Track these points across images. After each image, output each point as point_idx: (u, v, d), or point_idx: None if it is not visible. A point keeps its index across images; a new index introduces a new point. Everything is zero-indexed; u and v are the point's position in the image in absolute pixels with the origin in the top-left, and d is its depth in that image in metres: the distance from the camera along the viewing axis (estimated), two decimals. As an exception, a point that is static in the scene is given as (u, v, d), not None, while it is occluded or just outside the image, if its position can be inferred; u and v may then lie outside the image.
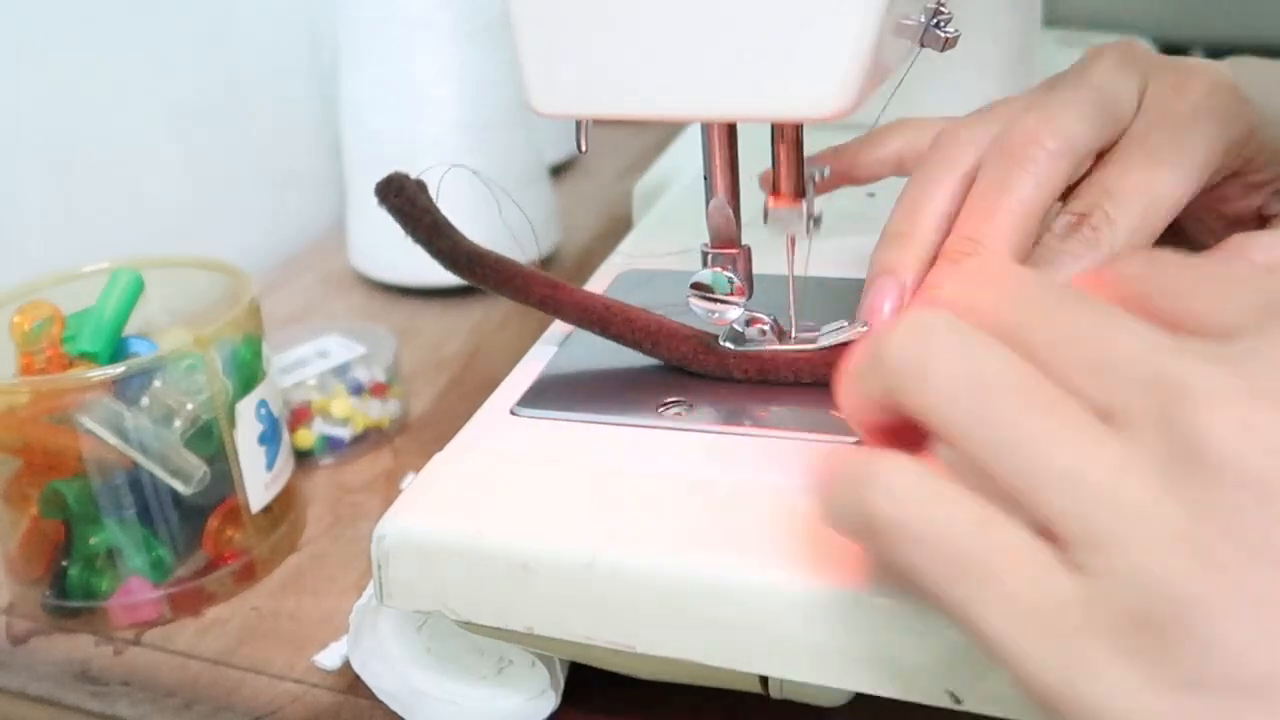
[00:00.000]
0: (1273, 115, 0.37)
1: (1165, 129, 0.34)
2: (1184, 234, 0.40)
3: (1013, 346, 0.22)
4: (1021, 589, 0.21)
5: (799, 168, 0.36)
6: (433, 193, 0.40)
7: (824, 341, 0.37)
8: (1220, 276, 0.23)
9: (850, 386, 0.26)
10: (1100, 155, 0.35)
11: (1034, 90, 0.37)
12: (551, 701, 0.36)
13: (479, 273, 0.39)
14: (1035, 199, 0.33)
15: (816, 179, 0.37)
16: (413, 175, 0.40)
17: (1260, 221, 0.40)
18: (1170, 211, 0.34)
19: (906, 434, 0.25)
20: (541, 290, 0.39)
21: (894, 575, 0.23)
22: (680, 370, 0.38)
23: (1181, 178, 0.34)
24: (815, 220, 0.37)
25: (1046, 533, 0.21)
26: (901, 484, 0.22)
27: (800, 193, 0.36)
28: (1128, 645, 0.19)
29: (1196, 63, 0.37)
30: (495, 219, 0.66)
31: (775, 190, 0.37)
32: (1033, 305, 0.23)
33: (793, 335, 0.37)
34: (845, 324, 0.37)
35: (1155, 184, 0.33)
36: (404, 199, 0.39)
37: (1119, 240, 0.33)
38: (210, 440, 0.43)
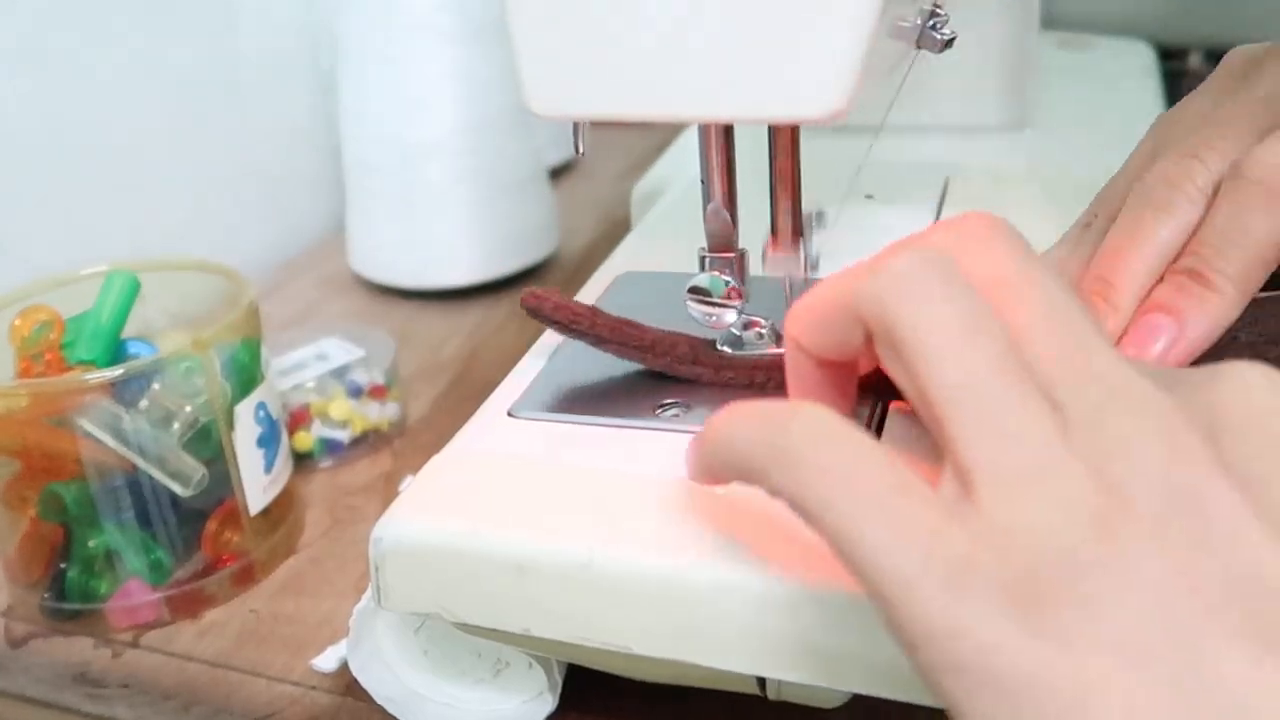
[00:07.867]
0: None
1: None
2: None
3: (995, 305, 0.24)
4: (919, 533, 0.21)
5: (796, 194, 0.36)
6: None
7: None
8: None
9: (825, 296, 0.26)
10: None
11: (1198, 99, 0.36)
12: (549, 704, 0.36)
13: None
14: (1170, 242, 0.33)
15: (814, 220, 0.37)
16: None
17: None
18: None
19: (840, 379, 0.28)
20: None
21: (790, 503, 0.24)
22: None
23: None
24: (819, 218, 0.36)
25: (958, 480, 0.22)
26: (823, 421, 0.24)
27: (798, 236, 0.36)
28: (1011, 594, 0.20)
29: None
30: (493, 221, 0.67)
31: (774, 232, 0.36)
32: (1025, 278, 0.24)
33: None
34: None
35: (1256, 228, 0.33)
36: None
37: (1230, 290, 0.32)
38: (209, 443, 0.43)
